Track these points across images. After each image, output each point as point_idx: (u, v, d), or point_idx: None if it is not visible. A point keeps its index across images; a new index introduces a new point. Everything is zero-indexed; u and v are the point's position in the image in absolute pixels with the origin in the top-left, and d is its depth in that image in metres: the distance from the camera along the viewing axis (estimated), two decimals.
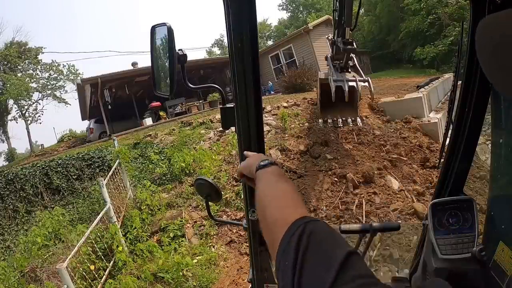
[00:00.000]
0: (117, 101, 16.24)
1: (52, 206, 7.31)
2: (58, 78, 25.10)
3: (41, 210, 7.33)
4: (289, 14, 42.26)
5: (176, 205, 6.29)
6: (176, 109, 15.29)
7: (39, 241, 5.50)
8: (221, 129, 8.41)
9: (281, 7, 42.29)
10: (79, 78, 21.03)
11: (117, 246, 4.97)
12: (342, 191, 5.77)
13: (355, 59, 7.15)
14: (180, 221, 5.64)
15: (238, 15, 0.73)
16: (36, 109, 24.85)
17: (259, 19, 34.20)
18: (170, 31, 0.82)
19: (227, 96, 0.93)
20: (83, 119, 19.45)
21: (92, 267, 4.51)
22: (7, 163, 21.07)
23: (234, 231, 5.48)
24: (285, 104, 9.32)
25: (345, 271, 0.40)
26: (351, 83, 6.64)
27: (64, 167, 7.88)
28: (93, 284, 4.45)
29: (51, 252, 5.52)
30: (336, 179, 6.06)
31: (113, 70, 19.76)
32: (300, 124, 8.10)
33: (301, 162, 6.82)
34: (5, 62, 23.25)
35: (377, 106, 8.42)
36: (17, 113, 24.69)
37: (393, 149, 6.67)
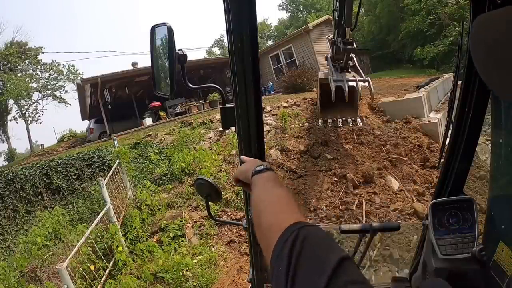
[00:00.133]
0: (117, 101, 16.24)
1: (52, 206, 7.31)
2: (58, 78, 25.09)
3: (41, 210, 7.33)
4: (289, 14, 42.28)
5: (176, 205, 6.29)
6: (176, 109, 15.29)
7: (39, 241, 5.50)
8: (221, 129, 8.41)
9: (281, 7, 42.31)
10: (79, 78, 21.02)
11: (117, 246, 4.97)
12: (342, 191, 5.77)
13: (355, 59, 7.15)
14: (180, 221, 5.64)
15: (238, 15, 0.73)
16: (36, 109, 24.86)
17: (259, 19, 34.21)
18: (170, 31, 0.82)
19: (227, 96, 0.93)
20: (83, 119, 19.45)
21: (92, 267, 4.51)
22: (7, 163, 21.07)
23: (234, 231, 5.49)
24: (285, 104, 9.32)
25: (337, 276, 0.40)
26: (351, 83, 6.64)
27: (64, 167, 7.88)
28: (93, 284, 4.45)
29: (51, 252, 5.52)
30: (336, 179, 6.06)
31: (113, 70, 19.77)
32: (300, 124, 8.10)
33: (301, 162, 6.82)
34: (5, 62, 23.24)
35: (377, 106, 8.43)
36: (17, 113, 24.70)
37: (393, 149, 6.67)
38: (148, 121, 13.70)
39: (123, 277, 4.40)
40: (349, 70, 7.10)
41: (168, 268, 4.59)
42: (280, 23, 42.69)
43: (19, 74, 23.86)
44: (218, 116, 7.09)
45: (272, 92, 16.39)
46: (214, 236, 5.47)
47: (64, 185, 7.75)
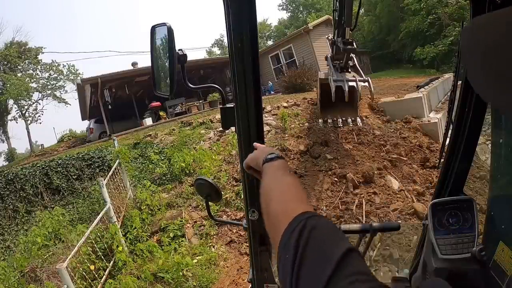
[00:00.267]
0: (117, 101, 16.24)
1: (52, 206, 7.31)
2: (58, 78, 25.10)
3: (41, 210, 7.33)
4: (289, 14, 42.28)
5: (176, 205, 6.29)
6: (176, 109, 15.28)
7: (39, 241, 5.50)
8: (221, 129, 8.41)
9: (281, 7, 42.32)
10: (79, 78, 21.02)
11: (117, 246, 4.97)
12: (342, 191, 5.77)
13: (355, 59, 7.15)
14: (180, 221, 5.64)
15: (238, 15, 0.73)
16: (36, 109, 24.87)
17: (259, 19, 34.19)
18: (170, 31, 0.82)
19: (227, 96, 0.93)
20: (83, 119, 19.45)
21: (92, 267, 4.51)
22: (7, 163, 21.07)
23: (234, 231, 5.48)
24: (285, 104, 9.32)
25: (343, 267, 0.41)
26: (351, 83, 6.63)
27: (64, 167, 7.88)
28: (93, 284, 4.45)
29: (51, 252, 5.52)
30: (336, 179, 6.06)
31: (113, 70, 19.77)
32: (300, 124, 8.10)
33: (301, 162, 6.82)
34: (5, 62, 23.24)
35: (377, 106, 8.42)
36: (17, 113, 24.71)
37: (393, 149, 6.67)
38: (148, 121, 13.70)
39: (123, 277, 4.40)
40: (349, 70, 7.09)
41: (168, 268, 4.58)
42: (280, 23, 42.69)
43: (19, 74, 23.86)
44: (218, 116, 7.09)
45: (272, 92, 16.39)
46: (214, 236, 5.47)
47: (64, 185, 7.75)
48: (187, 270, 4.59)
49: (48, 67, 24.57)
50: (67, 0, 78.87)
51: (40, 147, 20.98)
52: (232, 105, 0.87)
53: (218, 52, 42.33)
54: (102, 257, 4.85)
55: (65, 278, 3.79)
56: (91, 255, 4.68)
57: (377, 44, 27.30)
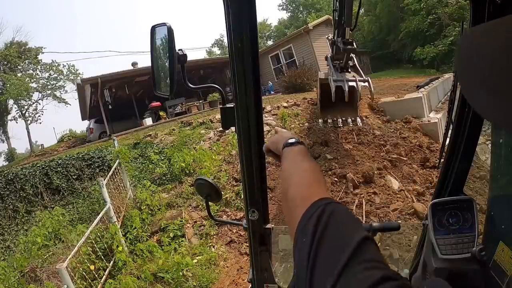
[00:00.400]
0: (117, 101, 16.24)
1: (52, 206, 7.31)
2: (58, 78, 25.10)
3: (41, 210, 7.33)
4: (289, 14, 42.29)
5: (176, 205, 6.29)
6: (176, 109, 15.29)
7: (39, 241, 5.50)
8: (221, 129, 8.41)
9: (281, 7, 42.34)
10: (79, 78, 21.02)
11: (117, 246, 4.97)
12: (342, 191, 5.77)
13: (355, 59, 7.15)
14: (180, 221, 5.64)
15: (238, 15, 0.73)
16: (36, 109, 24.88)
17: (259, 19, 34.20)
18: (170, 31, 0.82)
19: (227, 96, 0.93)
20: (83, 119, 19.46)
21: (92, 267, 4.51)
22: (7, 163, 21.06)
23: (234, 231, 5.48)
24: (285, 104, 9.32)
25: (359, 253, 0.42)
26: (351, 83, 6.63)
27: (64, 167, 7.88)
28: (93, 284, 4.45)
29: (51, 252, 5.52)
30: (336, 179, 6.06)
31: (113, 70, 19.77)
32: (300, 124, 8.10)
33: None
34: (5, 62, 23.25)
35: (377, 106, 8.42)
36: (17, 113, 24.72)
37: (393, 149, 6.66)
38: (148, 121, 13.70)
39: (123, 277, 4.40)
40: (349, 70, 7.09)
41: (168, 268, 4.58)
42: (280, 23, 42.69)
43: (19, 74, 23.87)
44: (218, 116, 7.09)
45: (272, 92, 16.39)
46: (214, 236, 5.47)
47: (64, 185, 7.75)
48: (187, 270, 4.59)
49: (48, 67, 24.57)
50: (67, 0, 78.91)
51: (40, 147, 20.98)
52: (232, 105, 0.87)
53: (218, 52, 42.35)
54: (102, 257, 4.85)
55: (65, 278, 3.79)
56: (91, 255, 4.68)
57: (377, 44, 27.30)
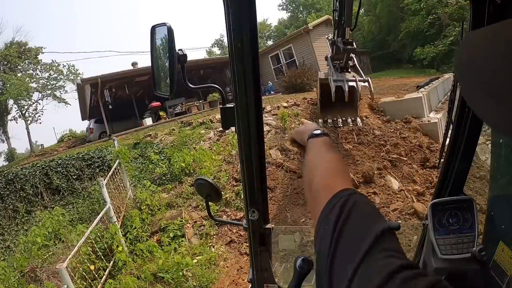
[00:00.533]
0: (117, 101, 16.25)
1: (52, 206, 7.31)
2: (58, 78, 25.12)
3: (41, 210, 7.33)
4: (289, 14, 42.30)
5: (176, 205, 6.29)
6: (176, 109, 15.29)
7: (39, 241, 5.50)
8: (221, 129, 8.41)
9: (281, 7, 42.34)
10: (79, 78, 21.03)
11: (117, 246, 4.97)
12: None
13: (355, 59, 7.14)
14: (180, 221, 5.64)
15: (238, 15, 0.73)
16: (36, 109, 24.91)
17: (259, 19, 34.18)
18: (170, 31, 0.82)
19: (227, 96, 0.93)
20: (83, 119, 19.46)
21: (92, 267, 4.51)
22: (7, 163, 21.06)
23: (234, 231, 5.48)
24: (285, 104, 9.32)
25: (380, 242, 0.43)
26: (351, 83, 6.63)
27: (64, 167, 7.88)
28: (93, 284, 4.45)
29: (51, 252, 5.52)
30: None
31: (113, 70, 19.79)
32: (300, 124, 8.09)
33: (301, 162, 6.81)
34: (5, 62, 23.25)
35: (377, 106, 8.42)
36: (17, 113, 24.74)
37: (393, 149, 6.67)
38: (148, 121, 13.70)
39: (123, 277, 4.40)
40: (349, 70, 7.09)
41: (168, 268, 4.58)
42: (280, 23, 42.69)
43: (19, 74, 23.88)
44: (218, 116, 7.09)
45: (272, 92, 16.39)
46: (214, 236, 5.47)
47: (64, 185, 7.75)
48: (187, 270, 4.59)
49: (48, 67, 24.59)
50: (67, 0, 78.95)
51: (40, 147, 20.99)
52: (232, 105, 0.87)
53: (218, 52, 42.37)
54: (102, 257, 4.85)
55: (65, 278, 3.79)
56: (91, 255, 4.68)
57: (377, 44, 27.30)
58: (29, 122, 24.53)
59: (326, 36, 10.42)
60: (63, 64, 24.98)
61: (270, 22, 42.71)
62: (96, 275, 4.54)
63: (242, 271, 4.64)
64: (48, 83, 24.92)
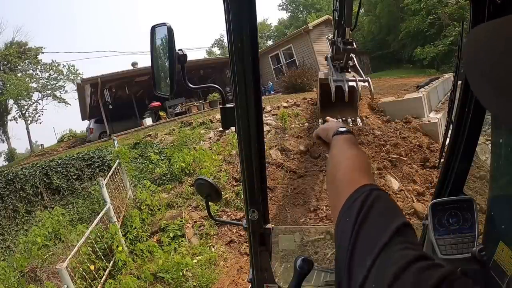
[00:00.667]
0: (117, 101, 16.25)
1: (52, 206, 7.31)
2: (58, 78, 25.12)
3: (41, 210, 7.33)
4: (289, 14, 42.28)
5: (176, 205, 6.29)
6: (176, 109, 15.29)
7: (39, 241, 5.50)
8: (221, 129, 8.41)
9: (281, 7, 42.32)
10: (79, 78, 21.03)
11: (117, 246, 4.97)
12: None
13: (355, 59, 7.13)
14: (180, 221, 5.64)
15: (238, 15, 0.73)
16: (36, 109, 24.90)
17: (259, 19, 34.19)
18: (170, 31, 0.82)
19: (227, 96, 0.93)
20: (83, 119, 19.46)
21: (92, 267, 4.51)
22: (7, 163, 21.06)
23: (234, 231, 5.48)
24: (285, 104, 9.32)
25: (398, 236, 0.45)
26: (351, 83, 6.62)
27: (64, 167, 7.88)
28: (93, 284, 4.45)
29: (51, 252, 5.52)
30: None
31: (113, 70, 19.78)
32: (300, 124, 8.10)
33: (301, 162, 6.82)
34: (5, 62, 23.25)
35: (377, 106, 8.42)
36: (17, 113, 24.73)
37: (393, 149, 6.67)
38: (148, 121, 13.70)
39: (123, 277, 4.40)
40: (349, 70, 7.08)
41: (168, 268, 4.59)
42: (280, 23, 42.68)
43: (19, 74, 23.87)
44: (218, 116, 7.09)
45: (272, 92, 16.38)
46: (214, 236, 5.47)
47: (64, 185, 7.75)
48: (187, 270, 4.60)
49: (48, 67, 24.59)
50: (67, 0, 78.97)
51: (40, 147, 20.98)
52: (232, 105, 0.87)
53: (218, 52, 42.36)
54: (102, 257, 4.86)
55: (65, 278, 3.79)
56: (91, 255, 4.68)
57: (377, 44, 27.30)
58: (29, 122, 24.54)
59: (326, 36, 10.40)
60: (63, 64, 25.02)
61: (270, 22, 42.76)
62: (96, 275, 4.54)
63: (242, 271, 4.64)
64: (48, 83, 24.92)
